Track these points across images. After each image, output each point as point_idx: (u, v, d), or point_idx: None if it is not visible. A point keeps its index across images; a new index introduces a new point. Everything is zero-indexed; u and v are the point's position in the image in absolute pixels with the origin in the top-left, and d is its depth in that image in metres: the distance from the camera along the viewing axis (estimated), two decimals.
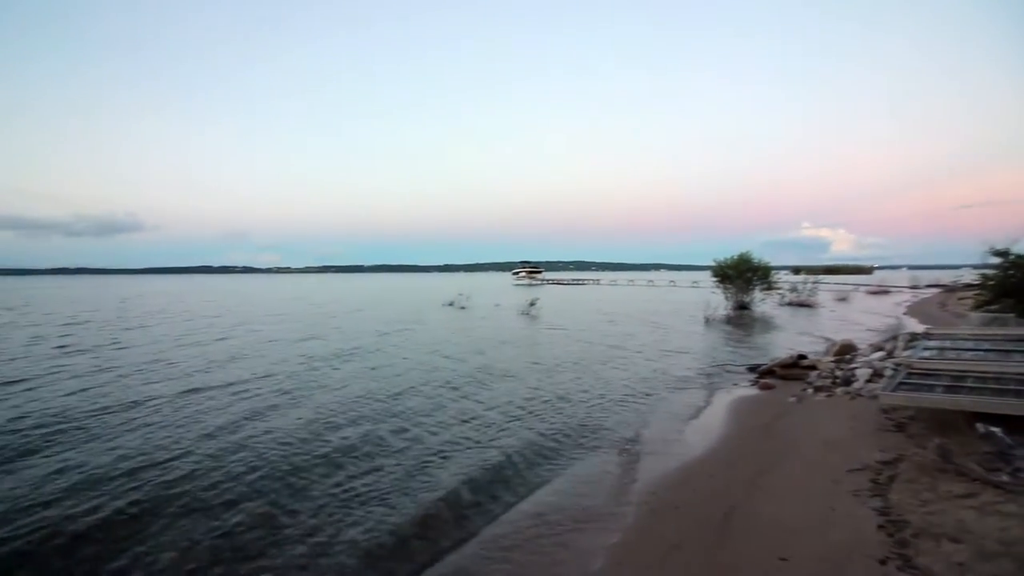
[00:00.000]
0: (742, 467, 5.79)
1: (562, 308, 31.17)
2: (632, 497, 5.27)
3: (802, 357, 10.72)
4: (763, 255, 27.49)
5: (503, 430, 7.42)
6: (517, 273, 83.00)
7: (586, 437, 7.14)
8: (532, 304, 27.35)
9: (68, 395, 9.32)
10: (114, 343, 16.01)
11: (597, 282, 77.64)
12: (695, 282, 61.47)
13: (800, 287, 30.71)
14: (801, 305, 29.15)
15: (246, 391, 9.66)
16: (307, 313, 28.47)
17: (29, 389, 9.79)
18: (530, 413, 8.27)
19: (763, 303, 27.59)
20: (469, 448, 6.68)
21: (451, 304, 31.49)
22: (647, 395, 9.52)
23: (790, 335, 17.68)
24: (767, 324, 21.88)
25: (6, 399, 9.06)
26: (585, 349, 14.99)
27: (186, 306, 34.09)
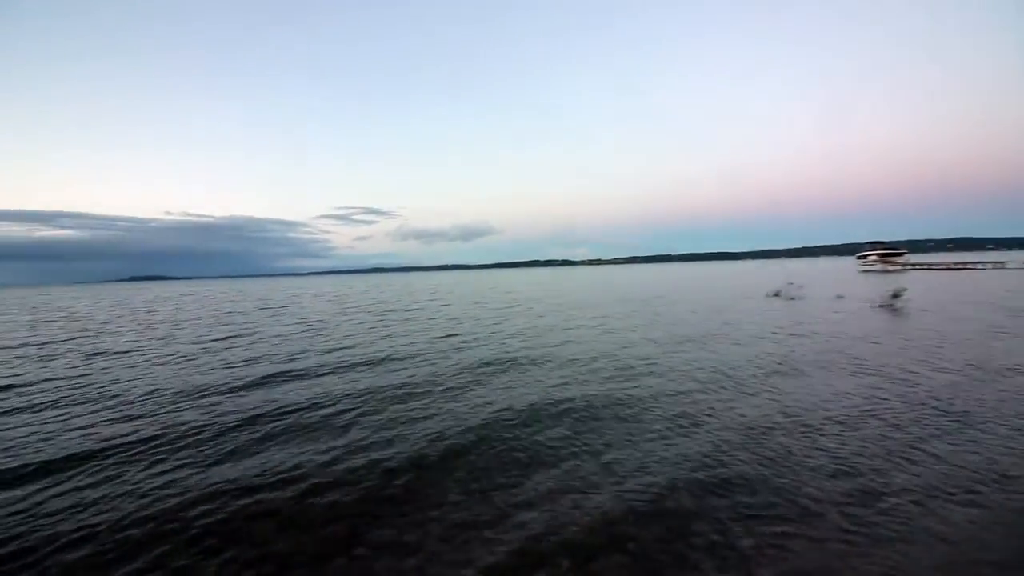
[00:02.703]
0: None
1: (949, 301, 22.28)
2: None
3: None
4: None
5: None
6: (864, 257, 66.30)
7: None
8: (896, 295, 21.13)
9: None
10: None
11: (1001, 265, 54.50)
12: None
13: None
14: None
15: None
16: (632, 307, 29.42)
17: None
18: None
19: None
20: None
21: (776, 294, 27.45)
22: None
23: None
24: None
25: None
26: None
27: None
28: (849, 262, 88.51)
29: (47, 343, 17.93)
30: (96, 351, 15.54)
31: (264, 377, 10.70)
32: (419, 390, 9.20)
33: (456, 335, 16.41)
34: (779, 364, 10.49)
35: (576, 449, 6.13)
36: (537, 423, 7.10)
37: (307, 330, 19.51)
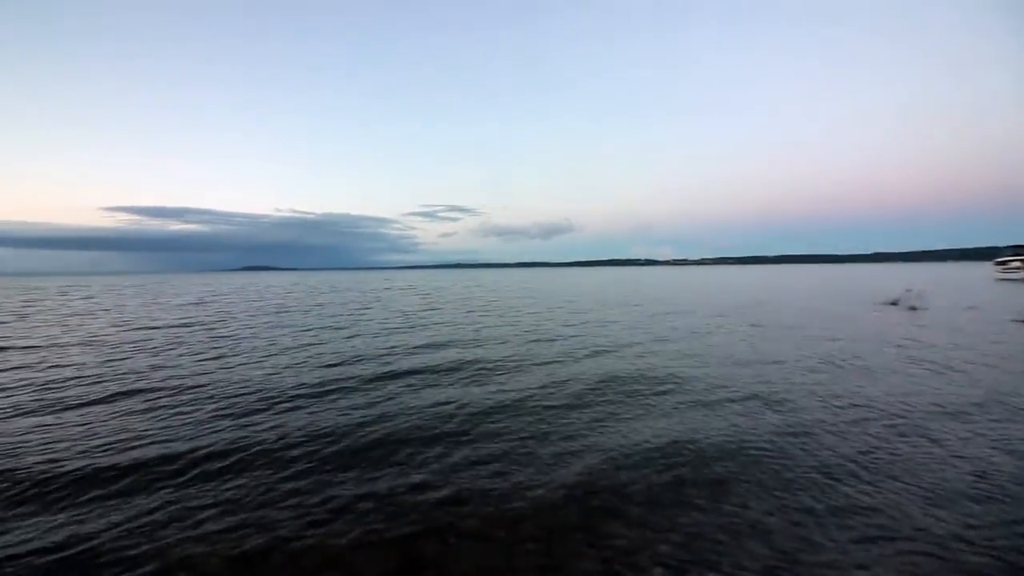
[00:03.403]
0: None
1: None
2: None
3: None
4: None
5: None
6: (1004, 263, 57.66)
7: None
8: None
9: None
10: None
11: None
12: None
13: None
14: None
15: None
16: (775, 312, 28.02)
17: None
18: None
19: None
20: None
21: (894, 303, 24.77)
22: None
23: None
24: None
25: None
26: None
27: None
28: (981, 268, 77.37)
29: (184, 325, 20.58)
30: (224, 335, 17.59)
31: (378, 373, 11.21)
32: (531, 403, 8.68)
33: (555, 338, 16.13)
34: (935, 398, 8.53)
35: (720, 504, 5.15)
36: (671, 460, 6.09)
37: (406, 324, 20.66)
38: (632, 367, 11.39)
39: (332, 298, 38.96)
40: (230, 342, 15.78)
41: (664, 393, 9.13)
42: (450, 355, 13.09)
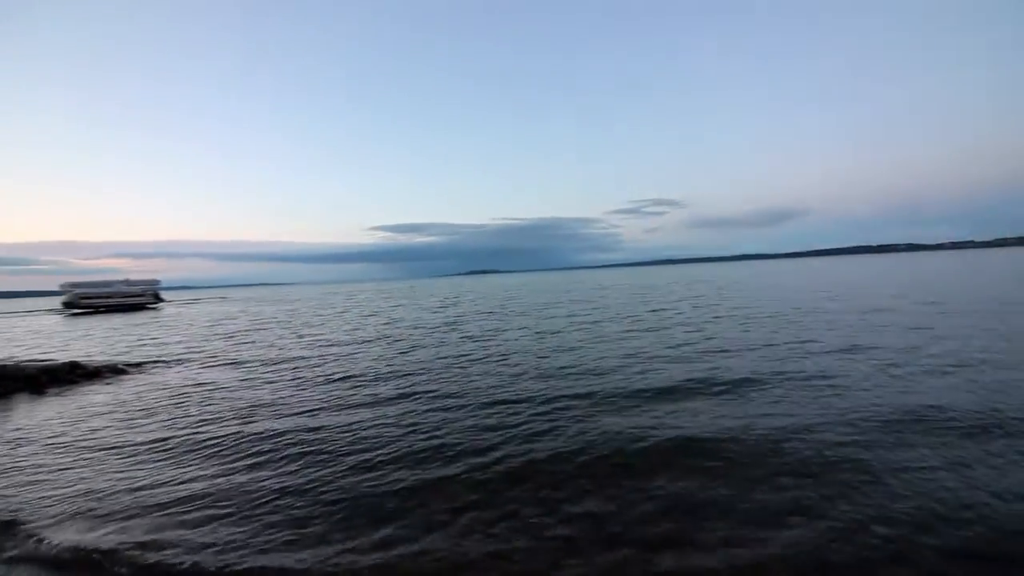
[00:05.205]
0: None
1: None
2: None
3: None
4: None
5: None
6: None
7: None
8: None
9: None
10: None
11: None
12: None
13: None
14: None
15: None
16: None
17: None
18: None
19: None
20: None
21: None
22: None
23: None
24: None
25: None
26: None
27: None
28: None
29: (456, 324, 24.28)
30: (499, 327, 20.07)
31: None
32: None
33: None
34: None
35: None
36: None
37: (649, 328, 19.98)
38: None
39: (564, 297, 40.12)
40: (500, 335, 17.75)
41: None
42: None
